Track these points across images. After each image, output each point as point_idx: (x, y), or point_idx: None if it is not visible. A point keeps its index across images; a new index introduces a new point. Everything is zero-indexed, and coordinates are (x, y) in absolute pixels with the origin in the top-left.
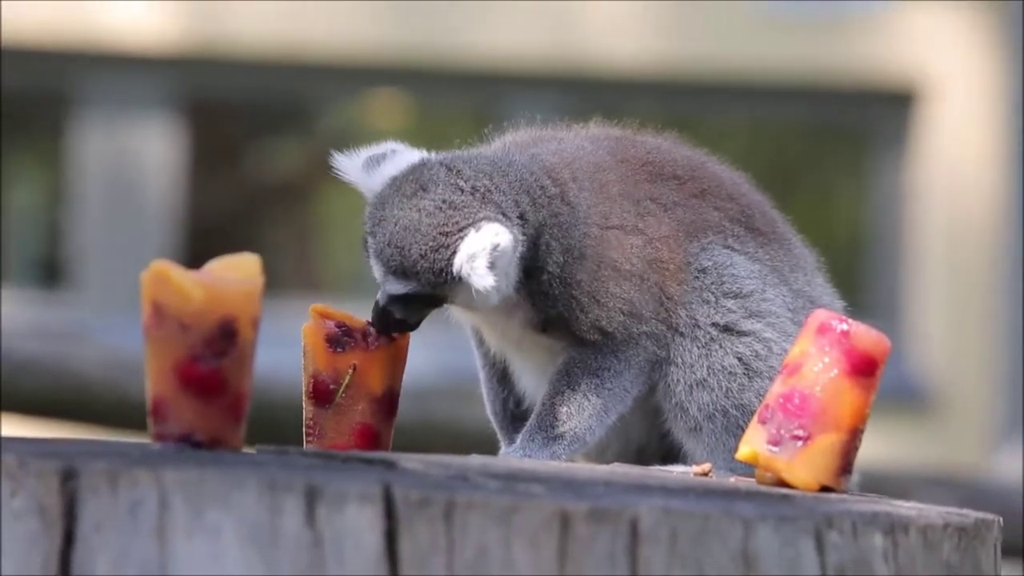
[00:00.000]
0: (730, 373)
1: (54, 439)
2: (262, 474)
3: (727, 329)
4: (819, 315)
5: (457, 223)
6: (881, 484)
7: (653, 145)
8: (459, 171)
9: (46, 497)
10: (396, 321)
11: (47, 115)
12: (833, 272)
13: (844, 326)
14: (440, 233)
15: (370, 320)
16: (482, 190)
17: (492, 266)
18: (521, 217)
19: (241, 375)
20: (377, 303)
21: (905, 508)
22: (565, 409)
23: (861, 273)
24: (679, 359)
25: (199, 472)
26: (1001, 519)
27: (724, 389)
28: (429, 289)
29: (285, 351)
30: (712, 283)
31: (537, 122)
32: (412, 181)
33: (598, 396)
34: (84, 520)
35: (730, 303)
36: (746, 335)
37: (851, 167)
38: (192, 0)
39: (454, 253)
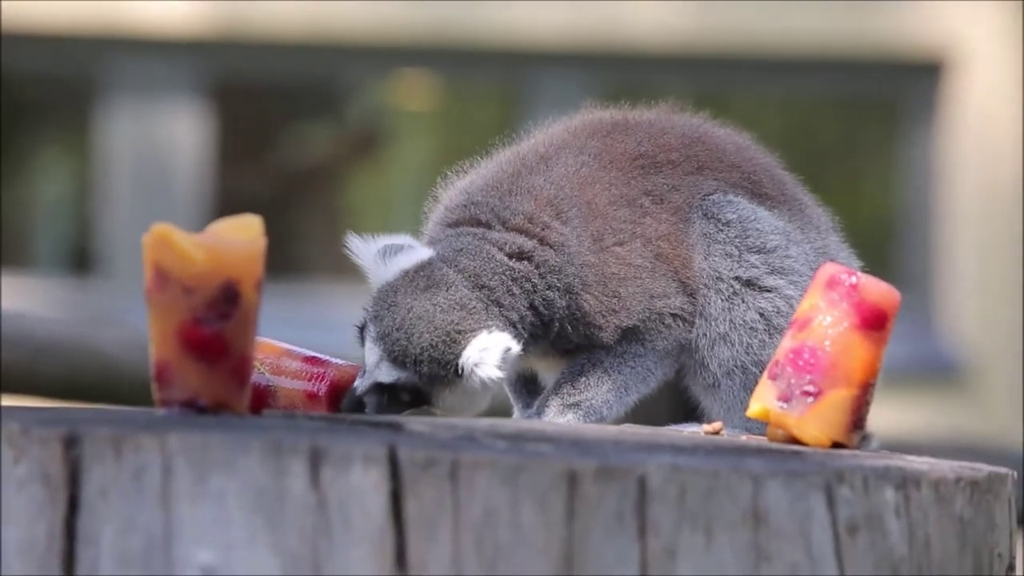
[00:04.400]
0: (751, 328)
1: (57, 407)
2: (266, 437)
3: (749, 284)
4: (828, 269)
5: (470, 325)
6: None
7: (646, 131)
8: (467, 274)
9: (50, 464)
10: (361, 405)
11: (74, 102)
12: (864, 246)
13: (853, 279)
14: (454, 330)
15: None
16: (486, 299)
17: (501, 366)
18: (521, 319)
19: (245, 338)
20: (353, 390)
21: (917, 462)
22: (584, 379)
23: (892, 247)
24: (703, 311)
25: (203, 436)
26: (1015, 473)
27: (745, 345)
28: (423, 381)
29: (318, 334)
30: (736, 236)
31: (523, 132)
32: (424, 277)
33: (619, 372)
34: (88, 487)
35: (753, 258)
36: (768, 291)
37: (880, 140)
38: None
39: (464, 348)
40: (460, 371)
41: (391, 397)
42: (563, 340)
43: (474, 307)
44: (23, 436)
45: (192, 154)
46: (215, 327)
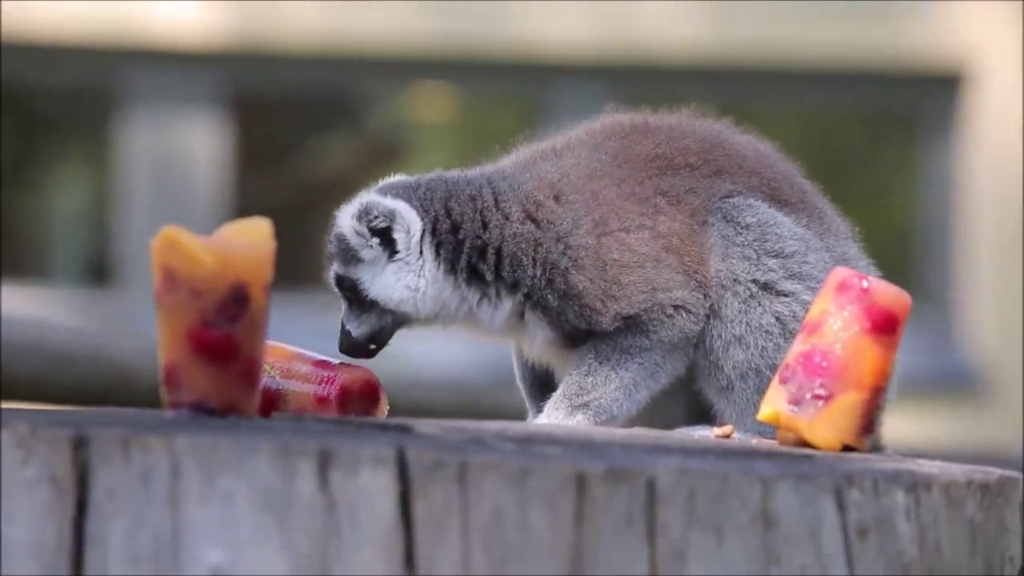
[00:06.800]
0: (767, 332)
1: (66, 409)
2: (275, 439)
3: (766, 287)
4: (839, 273)
5: (380, 203)
6: None
7: (665, 134)
8: (431, 188)
9: (58, 465)
10: (346, 333)
11: (93, 114)
12: (883, 257)
13: (864, 283)
14: (364, 210)
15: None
16: (416, 196)
17: (377, 222)
18: (449, 216)
19: (254, 340)
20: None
21: (928, 466)
22: (591, 379)
23: (911, 258)
24: (718, 312)
25: (211, 438)
26: None
27: (760, 348)
28: (349, 268)
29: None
30: (754, 239)
31: (550, 133)
32: None
33: (626, 370)
34: (97, 488)
35: (771, 262)
36: (785, 295)
37: (900, 152)
38: None
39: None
40: (354, 236)
41: (351, 308)
42: (561, 319)
43: (398, 197)
44: (32, 437)
45: (210, 166)
46: (224, 329)
